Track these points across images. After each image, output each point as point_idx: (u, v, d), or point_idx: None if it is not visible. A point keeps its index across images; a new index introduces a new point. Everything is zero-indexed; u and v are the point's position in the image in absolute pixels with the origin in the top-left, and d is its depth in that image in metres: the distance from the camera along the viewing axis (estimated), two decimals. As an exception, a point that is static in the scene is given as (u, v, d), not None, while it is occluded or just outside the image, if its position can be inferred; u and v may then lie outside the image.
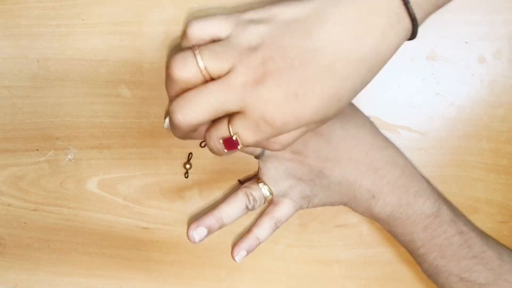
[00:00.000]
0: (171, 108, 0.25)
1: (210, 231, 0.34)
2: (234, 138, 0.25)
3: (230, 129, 0.25)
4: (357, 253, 0.38)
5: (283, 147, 0.27)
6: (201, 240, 0.34)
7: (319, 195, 0.34)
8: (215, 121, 0.26)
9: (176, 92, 0.25)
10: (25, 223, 0.40)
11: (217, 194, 0.38)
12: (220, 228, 0.34)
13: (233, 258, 0.35)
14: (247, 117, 0.24)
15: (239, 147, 0.25)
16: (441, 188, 0.36)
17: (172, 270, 0.40)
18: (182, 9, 0.34)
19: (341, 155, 0.33)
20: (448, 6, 0.33)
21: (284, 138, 0.26)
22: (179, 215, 0.39)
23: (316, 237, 0.38)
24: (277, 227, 0.35)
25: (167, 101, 0.36)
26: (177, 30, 0.34)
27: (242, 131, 0.25)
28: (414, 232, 0.33)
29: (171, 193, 0.38)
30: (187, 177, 0.38)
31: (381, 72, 0.34)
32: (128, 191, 0.39)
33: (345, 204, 0.35)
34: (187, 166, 0.37)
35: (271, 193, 0.34)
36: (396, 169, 0.33)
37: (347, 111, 0.34)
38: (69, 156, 0.38)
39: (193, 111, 0.24)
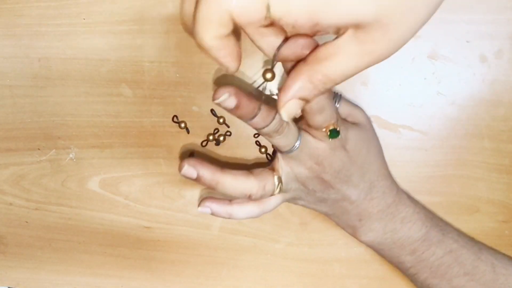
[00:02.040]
0: None
1: (198, 179, 0.31)
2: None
3: None
4: (358, 252, 0.38)
5: (393, 44, 0.21)
6: (185, 174, 0.30)
7: (309, 200, 0.34)
8: None
9: None
10: (26, 222, 0.41)
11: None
12: (206, 186, 0.31)
13: (198, 206, 0.33)
14: None
15: None
16: (442, 187, 0.36)
17: (173, 269, 0.40)
18: (183, 9, 0.34)
19: (352, 179, 0.32)
20: (449, 5, 0.33)
21: None
22: (180, 214, 0.39)
23: (316, 236, 0.38)
24: (255, 217, 0.33)
25: (168, 100, 0.36)
26: (178, 29, 0.34)
27: None
28: (401, 255, 0.33)
29: (173, 192, 0.38)
30: (188, 176, 0.38)
31: (382, 71, 0.34)
32: (129, 190, 0.39)
33: (328, 216, 0.35)
34: (188, 165, 0.37)
35: (280, 191, 0.32)
36: (389, 198, 0.33)
37: (372, 135, 0.34)
38: (71, 155, 0.38)
39: None
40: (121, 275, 0.41)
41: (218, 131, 0.36)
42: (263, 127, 0.29)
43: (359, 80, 0.35)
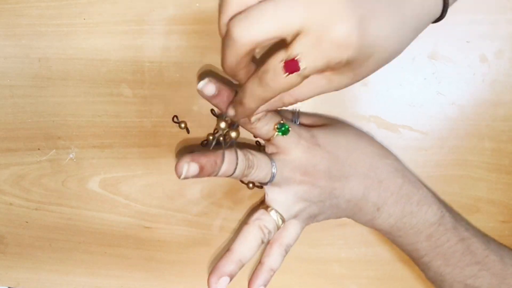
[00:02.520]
0: (230, 23, 0.23)
1: (232, 277, 0.31)
2: (296, 58, 0.23)
3: (291, 49, 0.23)
4: (358, 252, 0.38)
5: (357, 78, 0.26)
6: None
7: (326, 212, 0.34)
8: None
9: (233, 12, 0.24)
10: (26, 222, 0.41)
11: (218, 193, 0.38)
12: (239, 269, 0.32)
13: None
14: (309, 34, 0.22)
15: (301, 67, 0.23)
16: (442, 187, 0.36)
17: (173, 269, 0.40)
18: (183, 9, 0.34)
19: (349, 172, 0.32)
20: (450, 5, 0.33)
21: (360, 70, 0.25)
22: (180, 214, 0.39)
23: (316, 236, 0.38)
24: (287, 252, 0.34)
25: (168, 100, 0.36)
26: (178, 30, 0.34)
27: (305, 49, 0.22)
28: (417, 241, 0.33)
29: (173, 192, 0.38)
30: (188, 177, 0.38)
31: (382, 71, 0.34)
32: (129, 190, 0.39)
33: (349, 218, 0.35)
34: (189, 165, 0.37)
35: (283, 221, 0.32)
36: (398, 178, 0.33)
37: (343, 126, 0.35)
38: (71, 155, 0.38)
39: (253, 26, 0.22)
40: (121, 275, 0.41)
41: (218, 131, 0.36)
42: (234, 170, 0.30)
43: (359, 80, 0.35)
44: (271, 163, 0.31)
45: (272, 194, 0.33)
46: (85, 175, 0.39)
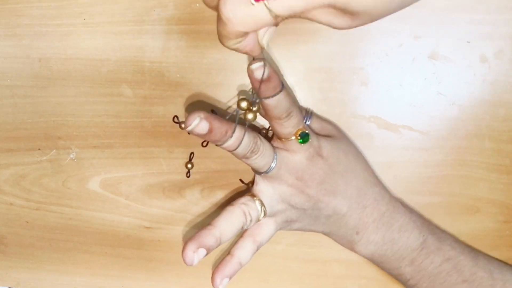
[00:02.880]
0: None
1: (208, 252, 0.30)
2: None
3: None
4: (358, 253, 0.38)
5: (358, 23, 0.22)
6: (192, 260, 0.29)
7: (303, 221, 0.34)
8: None
9: None
10: (27, 222, 0.41)
11: (219, 194, 0.38)
12: (216, 247, 0.30)
13: (216, 287, 0.31)
14: None
15: None
16: (442, 187, 0.36)
17: (174, 269, 0.40)
18: (183, 9, 0.34)
19: (339, 190, 0.32)
20: (450, 5, 0.33)
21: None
22: (180, 215, 0.39)
23: (316, 237, 0.38)
24: (257, 250, 0.33)
25: (168, 101, 0.36)
26: (178, 30, 0.34)
27: None
28: (401, 266, 0.33)
29: (173, 193, 0.38)
30: (188, 177, 0.38)
31: (382, 71, 0.34)
32: (130, 190, 0.39)
33: (325, 234, 0.35)
34: (189, 165, 0.37)
35: (265, 214, 0.32)
36: (382, 206, 0.33)
37: (347, 143, 0.35)
38: (71, 156, 0.38)
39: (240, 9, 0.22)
40: (122, 275, 0.41)
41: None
42: (238, 146, 0.29)
43: (359, 80, 0.35)
44: (274, 156, 0.31)
45: (261, 186, 0.33)
46: (85, 175, 0.39)
